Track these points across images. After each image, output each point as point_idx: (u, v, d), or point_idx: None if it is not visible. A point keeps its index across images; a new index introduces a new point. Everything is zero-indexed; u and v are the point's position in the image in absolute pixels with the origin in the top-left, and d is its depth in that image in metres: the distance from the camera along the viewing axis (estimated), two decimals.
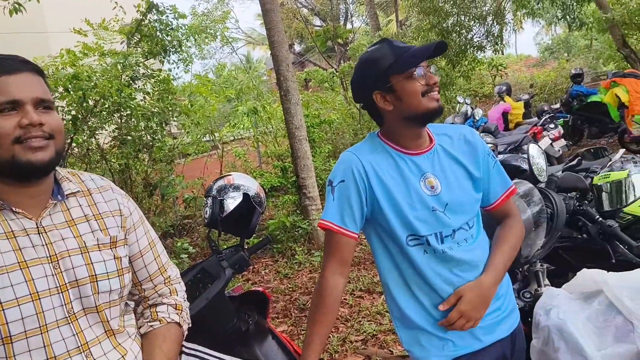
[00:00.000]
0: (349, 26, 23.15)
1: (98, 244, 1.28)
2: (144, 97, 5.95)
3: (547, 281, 1.90)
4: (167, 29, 6.11)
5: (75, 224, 1.27)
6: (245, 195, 2.20)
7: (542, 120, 7.37)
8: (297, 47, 27.65)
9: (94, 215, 1.31)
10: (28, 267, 1.16)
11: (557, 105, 9.19)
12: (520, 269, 1.98)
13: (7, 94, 1.14)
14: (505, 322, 1.61)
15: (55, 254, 1.20)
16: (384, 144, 1.63)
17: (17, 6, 5.59)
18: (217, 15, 11.60)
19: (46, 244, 1.20)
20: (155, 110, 5.75)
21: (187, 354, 1.45)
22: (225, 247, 2.32)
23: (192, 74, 8.75)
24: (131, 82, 5.77)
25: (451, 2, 10.35)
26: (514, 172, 3.89)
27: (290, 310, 4.47)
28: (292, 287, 4.93)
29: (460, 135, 1.66)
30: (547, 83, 15.00)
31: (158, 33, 6.05)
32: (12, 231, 1.18)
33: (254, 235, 2.34)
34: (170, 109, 5.93)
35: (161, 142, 6.15)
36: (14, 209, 1.19)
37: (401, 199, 1.56)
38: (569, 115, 8.91)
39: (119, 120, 5.89)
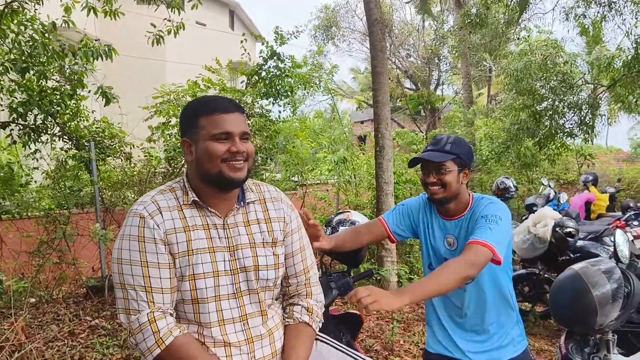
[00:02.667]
0: (438, 92, 23.66)
1: (263, 242, 1.72)
2: (254, 134, 6.57)
3: (615, 350, 2.15)
4: (283, 75, 6.77)
5: (250, 224, 1.73)
6: None
7: (626, 215, 7.35)
8: None
9: (265, 219, 1.76)
10: (214, 252, 1.64)
11: None
12: (593, 336, 2.24)
13: (224, 128, 1.61)
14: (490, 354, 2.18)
15: (234, 245, 1.67)
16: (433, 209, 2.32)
17: (158, 38, 6.40)
18: (320, 65, 12.42)
19: (228, 237, 1.67)
20: (263, 146, 6.33)
21: (321, 341, 1.83)
22: (333, 272, 2.71)
23: (292, 117, 9.39)
24: (246, 118, 6.42)
25: (548, 87, 10.53)
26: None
27: (359, 347, 4.74)
28: (361, 329, 5.20)
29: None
30: (636, 180, 14.65)
31: (275, 77, 6.72)
32: (207, 224, 1.66)
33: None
34: (275, 147, 6.51)
35: (259, 176, 6.72)
36: (209, 208, 1.67)
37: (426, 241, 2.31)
38: None
39: None
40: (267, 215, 1.76)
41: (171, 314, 1.59)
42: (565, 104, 10.82)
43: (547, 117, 10.87)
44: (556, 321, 2.59)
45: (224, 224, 1.67)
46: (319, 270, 2.50)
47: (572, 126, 11.06)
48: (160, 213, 1.61)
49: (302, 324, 1.78)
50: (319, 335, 1.84)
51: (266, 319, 1.71)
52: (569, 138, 11.18)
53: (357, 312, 2.69)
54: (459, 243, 2.19)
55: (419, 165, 2.24)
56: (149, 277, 1.56)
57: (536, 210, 5.89)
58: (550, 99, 10.74)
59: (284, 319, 1.80)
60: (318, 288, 1.90)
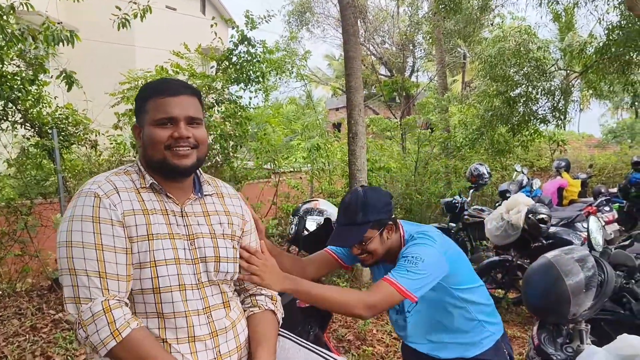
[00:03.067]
0: (413, 79, 23.65)
1: (223, 234, 1.62)
2: (224, 120, 6.41)
3: (589, 340, 2.10)
4: (254, 60, 6.61)
5: (209, 215, 1.62)
6: (327, 219, 2.51)
7: (597, 201, 7.42)
8: None
9: (224, 212, 1.66)
10: (174, 239, 1.51)
11: (615, 190, 9.20)
12: (566, 326, 2.19)
13: (167, 112, 1.50)
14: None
15: (193, 234, 1.55)
16: None
17: (124, 21, 6.17)
18: (294, 51, 12.23)
19: (186, 225, 1.56)
20: (234, 133, 6.18)
21: (283, 337, 1.73)
22: None
23: (263, 104, 9.24)
24: (214, 104, 6.26)
25: (522, 73, 10.56)
26: (565, 245, 4.05)
27: (328, 339, 4.67)
28: (332, 319, 5.14)
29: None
30: (607, 166, 14.88)
31: (246, 63, 6.55)
32: (166, 209, 1.54)
33: None
34: (246, 134, 6.36)
35: (230, 163, 6.58)
36: (167, 194, 1.55)
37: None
38: (625, 202, 8.88)
39: None
40: (226, 209, 1.68)
41: (127, 304, 1.44)
42: (539, 90, 10.89)
43: (520, 104, 10.93)
44: (529, 310, 2.53)
45: (182, 212, 1.56)
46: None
47: (545, 112, 11.14)
48: (117, 193, 1.48)
49: (269, 312, 1.70)
50: (282, 331, 1.74)
51: (229, 311, 1.60)
52: (542, 124, 11.26)
53: None
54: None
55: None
56: (104, 261, 1.40)
57: (509, 197, 5.87)
58: (523, 85, 10.79)
59: (244, 311, 1.70)
60: None
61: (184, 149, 1.51)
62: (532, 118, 10.96)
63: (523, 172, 8.33)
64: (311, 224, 2.48)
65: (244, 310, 1.70)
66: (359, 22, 21.05)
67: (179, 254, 1.50)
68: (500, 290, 5.53)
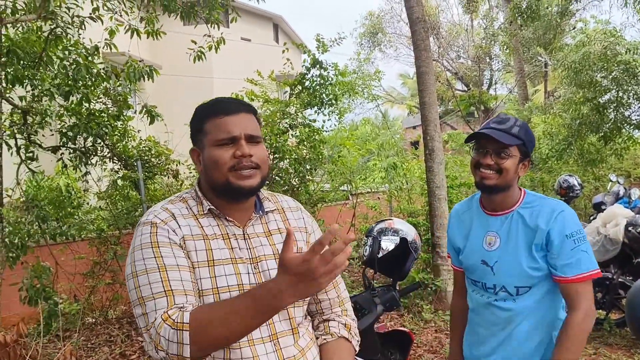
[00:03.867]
0: (491, 92, 22.95)
1: None
2: (298, 143, 6.44)
3: None
4: (327, 83, 6.62)
5: (271, 234, 1.55)
6: (403, 239, 2.38)
7: None
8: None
9: (286, 228, 1.57)
10: (237, 264, 1.44)
11: None
12: None
13: (227, 132, 1.44)
14: None
15: (257, 257, 1.48)
16: (478, 202, 2.05)
17: (199, 54, 6.41)
18: (367, 72, 12.22)
19: (249, 248, 1.49)
20: (309, 157, 6.19)
21: None
22: (377, 285, 2.50)
23: (337, 126, 9.25)
24: (288, 128, 6.32)
25: (610, 77, 9.92)
26: None
27: None
28: (416, 344, 4.93)
29: (543, 210, 1.85)
30: None
31: (318, 87, 6.58)
32: (227, 233, 1.48)
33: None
34: (321, 157, 6.35)
35: (306, 186, 6.58)
36: (227, 217, 1.49)
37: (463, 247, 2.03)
38: None
39: (271, 162, 6.44)
40: (288, 225, 1.59)
41: (193, 306, 1.34)
42: (630, 94, 10.17)
43: (611, 110, 10.27)
44: (633, 333, 2.26)
45: (243, 234, 1.50)
46: (361, 285, 2.29)
47: (639, 117, 10.38)
48: (175, 219, 1.44)
49: (342, 340, 1.59)
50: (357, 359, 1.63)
51: (297, 338, 1.50)
52: (636, 130, 10.49)
53: (406, 330, 2.46)
54: (501, 244, 1.89)
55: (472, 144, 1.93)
56: (169, 280, 1.33)
57: (605, 209, 5.43)
58: (613, 90, 10.11)
59: (316, 338, 1.59)
60: (350, 304, 1.71)
61: (247, 170, 1.45)
62: (625, 124, 10.25)
63: (619, 182, 7.72)
64: (387, 244, 2.36)
65: (317, 338, 1.60)
66: (431, 38, 20.86)
67: (242, 279, 1.43)
68: (601, 310, 5.07)
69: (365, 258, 2.39)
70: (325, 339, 1.59)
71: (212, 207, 1.49)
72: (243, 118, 1.48)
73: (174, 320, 1.26)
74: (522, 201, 1.91)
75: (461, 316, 2.14)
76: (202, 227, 1.46)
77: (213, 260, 1.41)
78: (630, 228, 4.55)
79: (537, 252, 1.81)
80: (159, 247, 1.38)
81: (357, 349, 1.62)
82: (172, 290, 1.32)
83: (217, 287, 1.39)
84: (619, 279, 4.85)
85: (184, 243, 1.40)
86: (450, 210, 6.68)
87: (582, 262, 1.76)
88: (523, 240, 1.84)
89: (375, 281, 2.84)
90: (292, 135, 6.53)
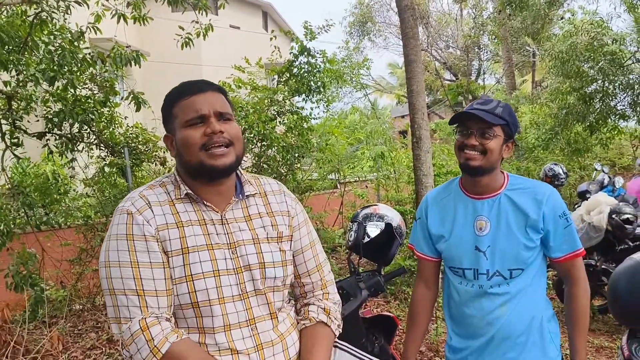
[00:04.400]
0: (480, 82, 23.03)
1: (267, 237, 1.54)
2: (286, 131, 6.44)
3: None
4: (315, 71, 6.61)
5: (251, 219, 1.55)
6: (388, 225, 2.41)
7: None
8: (425, 99, 27.86)
9: (267, 213, 1.58)
10: (213, 250, 1.45)
11: None
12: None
13: (195, 111, 1.45)
14: None
15: (234, 242, 1.49)
16: (459, 187, 2.00)
17: (187, 40, 6.36)
18: (356, 61, 12.20)
19: (227, 233, 1.49)
20: (296, 144, 6.19)
21: (340, 349, 1.64)
22: (362, 270, 2.52)
23: (325, 114, 9.25)
24: (276, 116, 6.31)
25: (597, 68, 9.99)
26: None
27: (400, 351, 4.52)
28: (402, 330, 4.98)
29: (532, 192, 1.89)
30: None
31: (306, 74, 6.56)
32: (204, 219, 1.48)
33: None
34: (309, 144, 6.35)
35: (294, 174, 6.59)
36: (205, 202, 1.49)
37: (448, 234, 1.96)
38: None
39: (259, 150, 6.43)
40: (269, 209, 1.59)
41: (167, 319, 1.40)
42: (616, 84, 10.26)
43: (597, 100, 10.35)
44: (616, 319, 2.31)
45: (222, 219, 1.49)
46: (347, 270, 2.32)
47: (624, 108, 10.49)
48: (150, 208, 1.44)
49: (320, 324, 1.59)
50: (339, 342, 1.64)
51: (277, 323, 1.52)
52: (621, 120, 10.61)
53: (391, 315, 2.49)
54: (491, 228, 1.87)
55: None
56: (141, 278, 1.37)
57: (590, 197, 5.50)
58: (599, 81, 10.19)
59: (297, 323, 1.61)
60: (334, 287, 1.72)
61: (219, 148, 1.44)
62: (611, 114, 10.35)
63: (604, 171, 7.80)
64: (372, 230, 2.38)
65: (297, 322, 1.62)
66: (420, 28, 20.86)
67: (218, 265, 1.44)
68: None
69: (350, 243, 2.41)
70: (304, 323, 1.60)
71: (190, 191, 1.48)
72: (211, 96, 1.48)
73: (152, 337, 1.33)
74: (508, 183, 1.92)
75: (425, 310, 2.11)
76: (177, 213, 1.46)
77: (188, 247, 1.43)
78: (613, 216, 4.62)
79: (533, 233, 1.84)
80: (133, 240, 1.40)
81: (337, 332, 1.62)
82: (143, 290, 1.37)
83: (192, 275, 1.41)
84: (602, 266, 4.93)
85: (158, 234, 1.42)
86: None
87: (575, 239, 1.86)
88: (515, 222, 1.85)
89: (361, 268, 2.86)
90: (280, 122, 6.53)
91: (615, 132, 10.71)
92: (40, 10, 4.87)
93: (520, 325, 1.87)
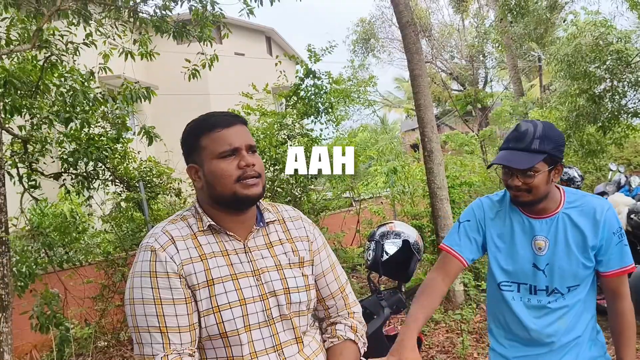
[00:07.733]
0: (487, 90, 23.00)
1: (290, 263, 1.57)
2: (296, 154, 6.47)
3: None
4: (322, 92, 6.67)
5: (273, 246, 1.57)
6: (405, 241, 2.41)
7: None
8: (434, 111, 27.84)
9: (287, 239, 1.61)
10: (238, 279, 1.48)
11: None
12: None
13: (229, 144, 1.47)
14: None
15: (258, 269, 1.51)
16: (512, 205, 1.93)
17: (194, 72, 6.46)
18: (362, 78, 12.28)
19: (250, 261, 1.51)
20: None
21: None
22: (384, 288, 2.52)
23: (334, 134, 9.28)
24: (287, 139, 6.36)
25: (604, 67, 9.94)
26: None
27: None
28: (428, 345, 4.94)
29: (591, 211, 1.85)
30: None
31: (313, 96, 6.63)
32: (226, 250, 1.51)
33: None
34: None
35: (308, 195, 6.61)
36: (228, 232, 1.52)
37: (506, 249, 1.92)
38: None
39: (272, 174, 6.47)
40: (289, 235, 1.62)
41: (190, 355, 1.42)
42: (625, 82, 10.19)
43: (607, 99, 10.26)
44: (638, 317, 2.27)
45: (244, 248, 1.52)
46: (367, 289, 2.31)
47: (635, 105, 10.39)
48: (174, 243, 1.46)
49: (348, 342, 1.61)
50: None
51: (302, 347, 1.54)
52: (634, 118, 10.50)
53: None
54: (549, 246, 1.85)
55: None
56: (164, 315, 1.40)
57: (607, 198, 5.44)
58: (607, 80, 10.13)
59: (323, 343, 1.63)
60: (359, 307, 1.74)
61: (252, 179, 1.48)
62: (623, 113, 10.25)
63: (619, 171, 7.72)
64: (390, 248, 2.38)
65: (324, 341, 1.63)
66: (424, 40, 20.97)
67: (244, 293, 1.46)
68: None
69: (369, 263, 2.42)
70: (332, 341, 1.62)
71: (212, 222, 1.51)
72: (239, 129, 1.51)
73: None
74: (565, 201, 1.88)
75: (433, 290, 1.89)
76: (200, 246, 1.48)
77: (213, 279, 1.45)
78: (632, 215, 4.57)
79: (592, 251, 1.84)
80: (157, 277, 1.42)
81: (363, 351, 1.64)
82: (166, 327, 1.39)
83: (218, 306, 1.43)
84: None
85: (183, 269, 1.44)
86: (453, 210, 6.69)
87: (626, 255, 1.85)
88: (574, 242, 1.84)
89: (382, 285, 2.85)
90: (290, 145, 6.57)
91: (629, 130, 10.60)
92: (49, 54, 4.99)
93: (577, 331, 1.92)
